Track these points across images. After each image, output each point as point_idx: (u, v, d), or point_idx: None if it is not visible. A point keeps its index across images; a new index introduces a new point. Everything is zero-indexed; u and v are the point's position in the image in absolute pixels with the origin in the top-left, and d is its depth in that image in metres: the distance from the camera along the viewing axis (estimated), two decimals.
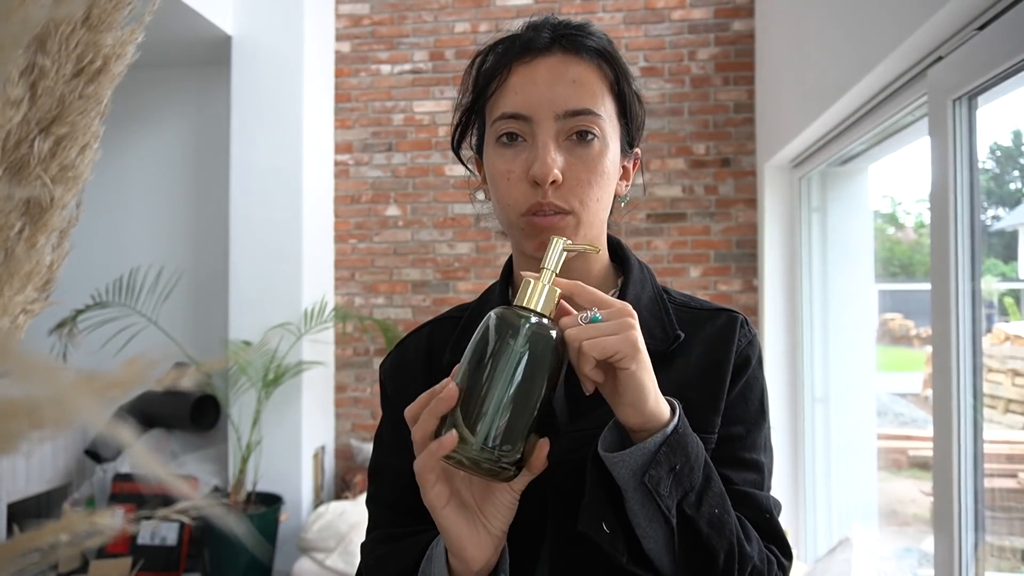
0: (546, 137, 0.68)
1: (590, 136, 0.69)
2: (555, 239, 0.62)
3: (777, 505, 0.74)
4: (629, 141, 0.76)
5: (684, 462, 0.62)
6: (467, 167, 0.81)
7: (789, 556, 0.72)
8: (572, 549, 0.70)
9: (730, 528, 0.64)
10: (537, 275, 0.60)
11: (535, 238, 0.70)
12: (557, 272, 0.61)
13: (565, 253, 0.62)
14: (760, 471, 0.74)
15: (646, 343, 0.71)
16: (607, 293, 0.77)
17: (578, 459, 0.68)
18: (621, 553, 0.63)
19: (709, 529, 0.62)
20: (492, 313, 0.60)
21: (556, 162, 0.67)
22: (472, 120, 0.77)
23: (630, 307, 0.61)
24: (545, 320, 0.59)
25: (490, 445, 0.56)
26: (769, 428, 0.77)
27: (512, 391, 0.57)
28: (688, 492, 0.62)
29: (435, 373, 0.78)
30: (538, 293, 0.59)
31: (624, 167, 0.78)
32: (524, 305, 0.59)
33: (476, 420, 0.56)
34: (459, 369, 0.59)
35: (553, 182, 0.67)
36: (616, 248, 0.82)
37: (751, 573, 0.65)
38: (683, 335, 0.74)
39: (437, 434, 0.58)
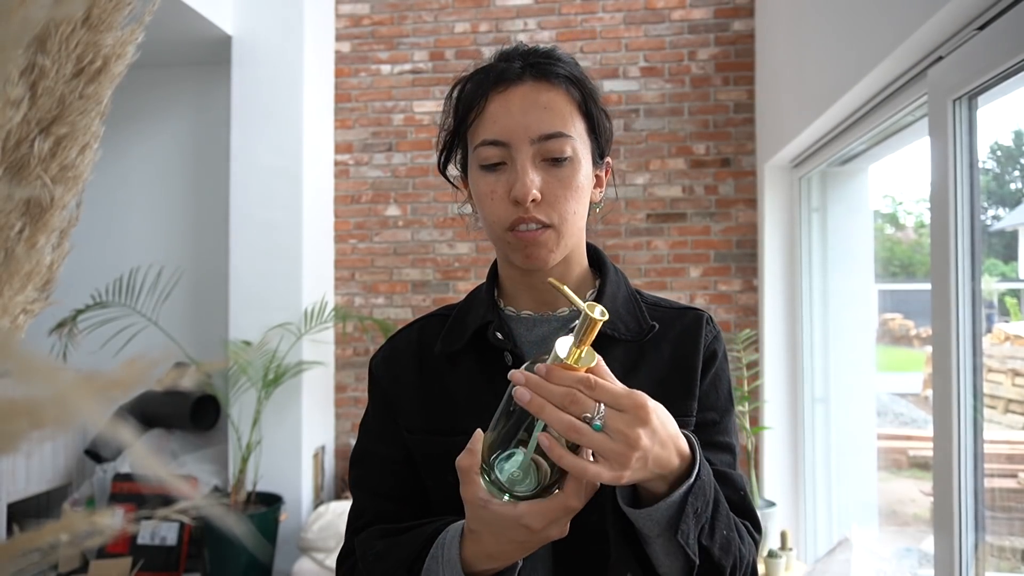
0: (524, 160, 0.74)
1: (563, 156, 0.75)
2: (593, 314, 0.59)
3: (746, 481, 0.80)
4: (600, 153, 0.82)
5: (703, 502, 0.66)
6: (453, 184, 0.88)
7: (759, 529, 0.80)
8: (575, 548, 0.73)
9: (736, 544, 0.70)
10: (574, 353, 0.60)
11: (520, 251, 0.76)
12: (587, 345, 0.61)
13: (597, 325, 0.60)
14: (733, 453, 0.82)
15: (623, 336, 0.79)
16: (585, 294, 0.84)
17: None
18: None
19: (720, 552, 0.68)
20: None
21: (534, 182, 0.73)
22: (456, 143, 0.83)
23: (644, 404, 0.59)
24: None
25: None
26: (735, 414, 0.85)
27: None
28: (704, 525, 0.67)
29: (426, 364, 0.84)
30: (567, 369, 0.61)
31: (597, 176, 0.84)
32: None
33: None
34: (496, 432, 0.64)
35: (533, 200, 0.73)
36: (593, 254, 0.88)
37: (744, 568, 0.72)
38: (656, 325, 0.80)
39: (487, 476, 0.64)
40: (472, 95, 0.78)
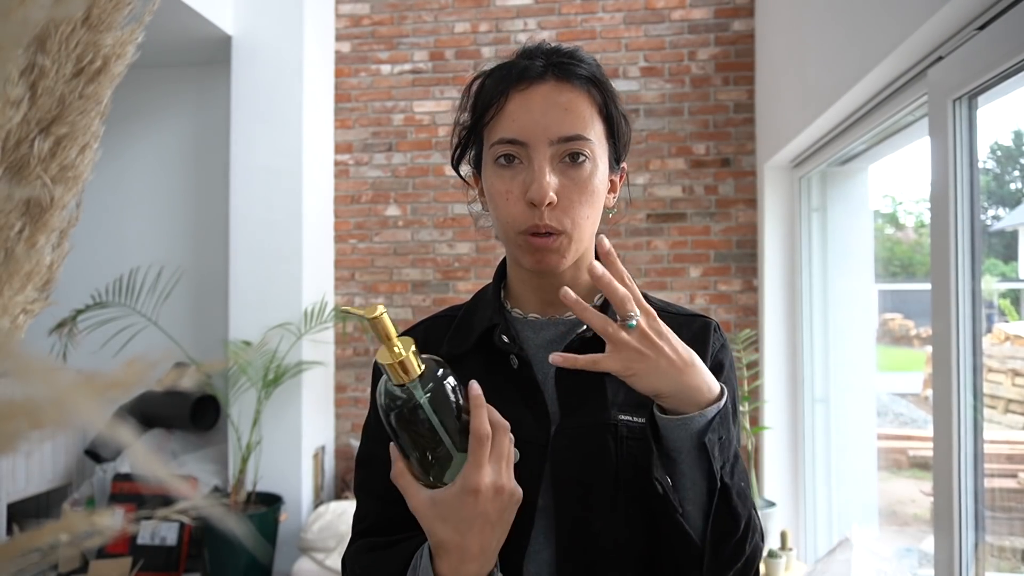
0: (542, 161, 0.73)
1: (581, 158, 0.74)
2: (371, 317, 0.63)
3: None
4: (616, 158, 0.81)
5: (727, 435, 0.69)
6: (465, 181, 0.86)
7: (762, 536, 0.80)
8: (580, 545, 0.74)
9: (751, 500, 0.73)
10: (390, 357, 0.63)
11: (532, 255, 0.75)
12: (394, 339, 0.64)
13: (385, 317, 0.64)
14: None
15: None
16: (593, 300, 0.84)
17: (577, 455, 0.74)
18: (678, 506, 0.70)
19: (737, 498, 0.70)
20: (382, 401, 0.66)
21: (551, 184, 0.72)
22: (471, 139, 0.81)
23: (650, 309, 0.67)
24: (419, 383, 0.65)
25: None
26: (740, 423, 0.87)
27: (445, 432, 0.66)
28: (726, 462, 0.70)
29: None
30: (402, 367, 0.64)
31: (612, 181, 0.83)
32: (401, 383, 0.64)
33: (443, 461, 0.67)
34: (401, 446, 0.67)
35: (548, 203, 0.72)
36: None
37: (755, 541, 0.74)
38: None
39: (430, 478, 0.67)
40: (492, 91, 0.76)
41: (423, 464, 0.66)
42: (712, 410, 0.67)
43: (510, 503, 0.66)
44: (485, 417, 0.64)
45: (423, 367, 0.65)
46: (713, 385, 0.69)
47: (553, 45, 0.79)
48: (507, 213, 0.75)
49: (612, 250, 0.66)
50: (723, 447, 0.68)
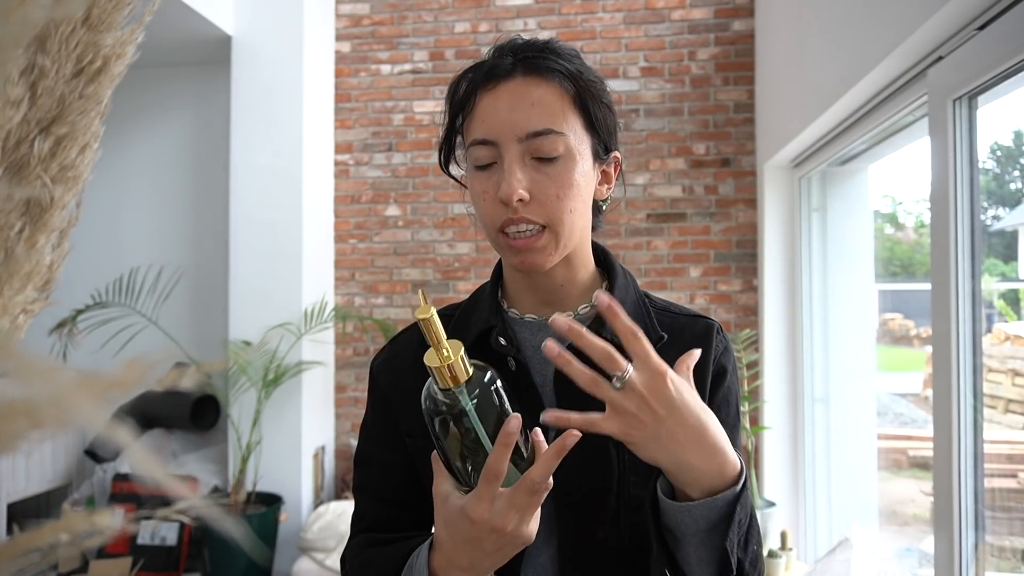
0: (511, 159, 0.71)
1: (554, 154, 0.72)
2: (422, 317, 0.60)
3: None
4: (604, 148, 0.78)
5: (744, 514, 0.65)
6: (459, 182, 0.84)
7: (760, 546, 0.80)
8: (581, 553, 0.74)
9: (762, 561, 0.72)
10: (438, 360, 0.61)
11: (516, 256, 0.74)
12: (444, 341, 0.61)
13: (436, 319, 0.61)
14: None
15: None
16: (590, 299, 0.82)
17: (577, 462, 0.72)
18: None
19: (750, 567, 0.68)
20: (426, 405, 0.63)
21: (521, 182, 0.71)
22: (453, 142, 0.81)
23: (665, 371, 0.59)
24: (465, 389, 0.62)
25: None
26: (742, 427, 0.84)
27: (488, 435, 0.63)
28: (740, 538, 0.66)
29: None
30: (450, 371, 0.61)
31: (604, 171, 0.80)
32: (447, 388, 0.61)
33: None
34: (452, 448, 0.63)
35: (520, 200, 0.70)
36: (601, 256, 0.85)
37: None
38: (666, 336, 0.78)
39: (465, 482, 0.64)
40: (465, 93, 0.76)
41: (463, 468, 0.64)
42: (724, 497, 0.63)
43: (511, 543, 0.62)
44: (505, 456, 0.59)
45: (471, 372, 0.62)
46: (728, 467, 0.63)
47: (527, 40, 0.76)
48: (485, 214, 0.74)
49: (613, 303, 0.59)
50: (740, 526, 0.64)
